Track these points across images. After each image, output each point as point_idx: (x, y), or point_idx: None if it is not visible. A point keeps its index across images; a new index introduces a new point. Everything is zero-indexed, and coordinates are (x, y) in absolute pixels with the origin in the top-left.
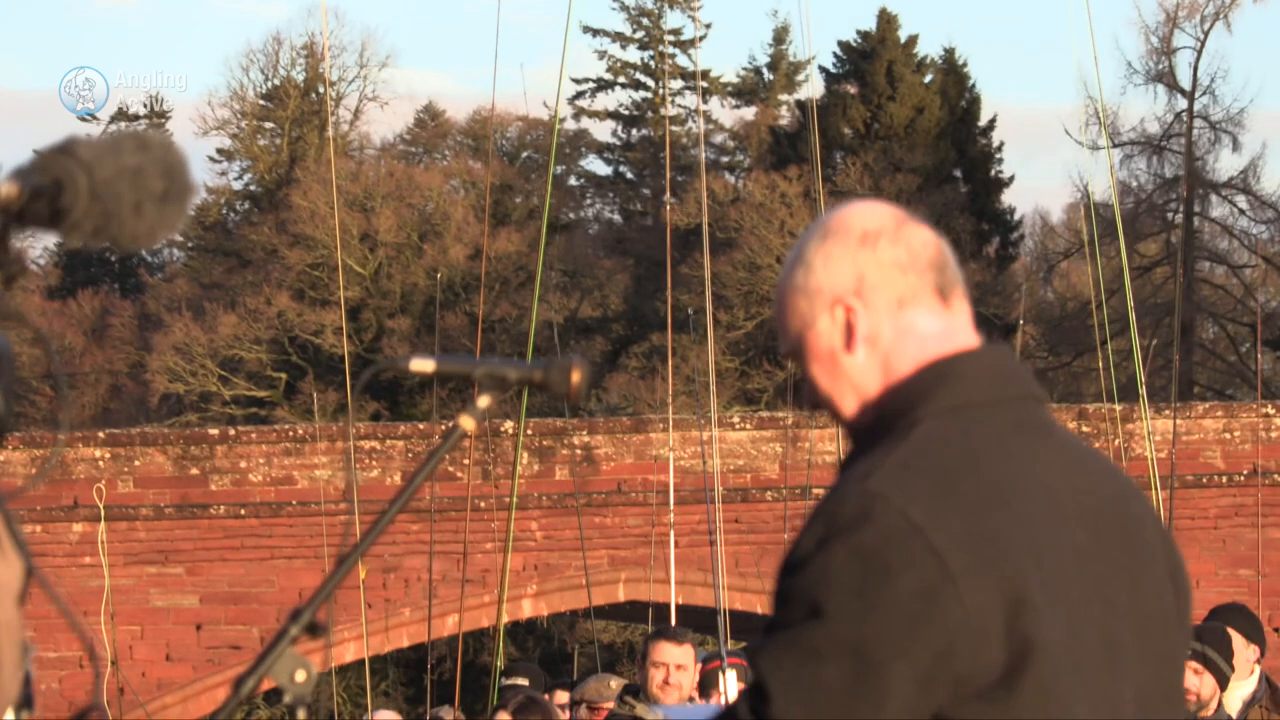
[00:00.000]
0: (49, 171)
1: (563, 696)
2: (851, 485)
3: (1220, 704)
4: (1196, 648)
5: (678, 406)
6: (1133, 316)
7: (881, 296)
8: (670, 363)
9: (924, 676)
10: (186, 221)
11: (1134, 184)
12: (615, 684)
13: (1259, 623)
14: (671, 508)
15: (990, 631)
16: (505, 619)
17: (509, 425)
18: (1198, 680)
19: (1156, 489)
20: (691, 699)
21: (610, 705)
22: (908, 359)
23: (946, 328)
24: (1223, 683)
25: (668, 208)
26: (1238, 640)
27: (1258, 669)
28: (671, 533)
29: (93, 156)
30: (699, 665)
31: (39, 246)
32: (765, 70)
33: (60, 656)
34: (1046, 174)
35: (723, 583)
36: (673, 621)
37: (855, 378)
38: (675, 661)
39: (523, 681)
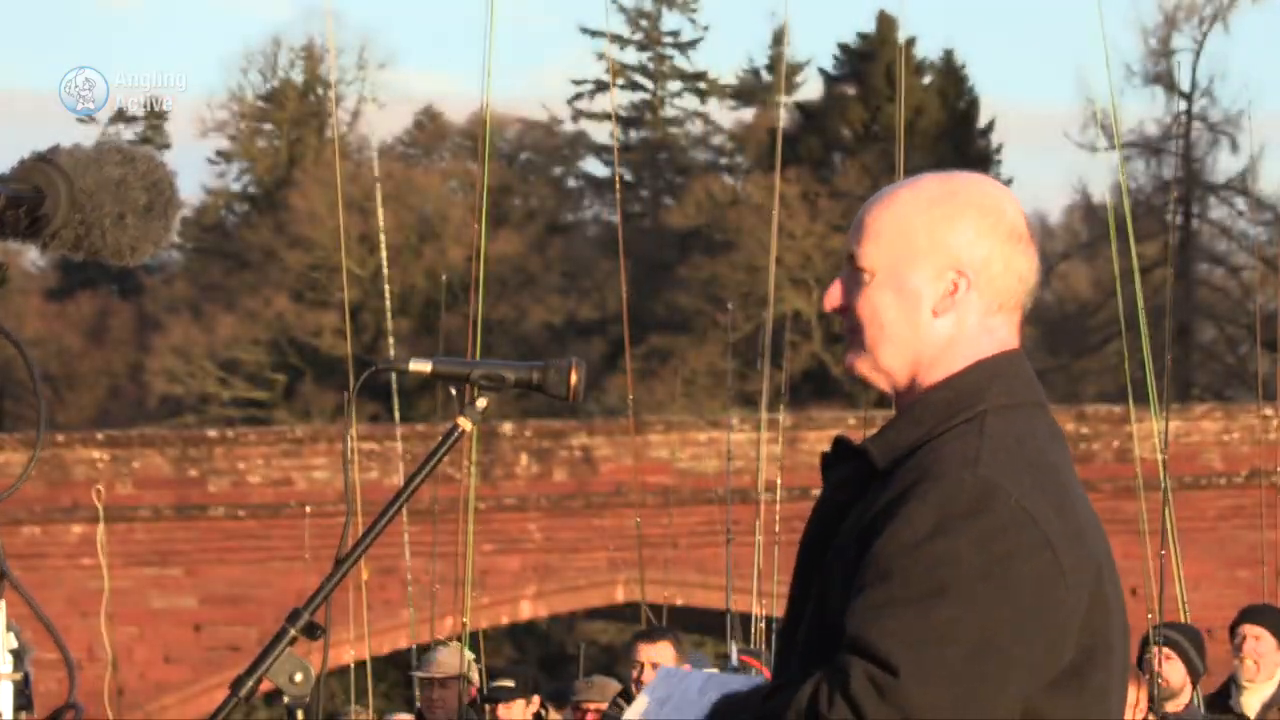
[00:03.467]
0: (29, 179)
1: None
2: (961, 472)
3: (1192, 699)
4: (1170, 635)
5: (676, 409)
6: (1143, 317)
7: (990, 291)
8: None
9: (1035, 664)
10: (173, 237)
11: (1132, 185)
12: (600, 683)
13: None
14: (729, 505)
15: (1076, 626)
16: (472, 626)
17: (508, 427)
18: (1167, 665)
19: (1166, 490)
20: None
21: (597, 705)
22: (970, 353)
23: (1010, 338)
24: (1194, 676)
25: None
26: (1269, 642)
27: None
28: (728, 533)
29: (75, 166)
30: (685, 665)
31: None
32: (763, 72)
33: (59, 658)
34: (1045, 176)
35: (697, 583)
36: (729, 630)
37: (920, 335)
38: (650, 659)
39: (508, 684)
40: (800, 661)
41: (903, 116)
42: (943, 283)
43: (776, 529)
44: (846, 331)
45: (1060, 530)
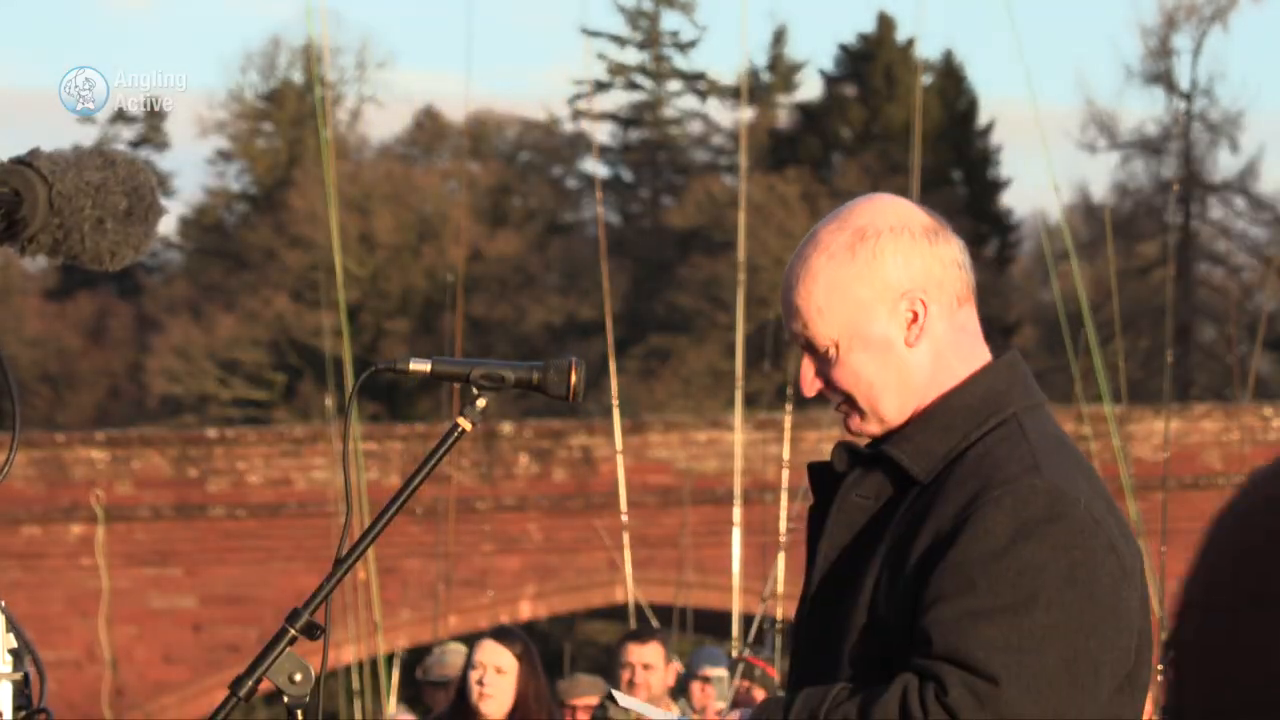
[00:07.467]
0: (7, 182)
1: None
2: (1029, 478)
3: None
4: None
5: (675, 408)
6: (1119, 324)
7: (945, 294)
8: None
9: (1117, 668)
10: (153, 242)
11: (1132, 185)
12: (586, 681)
13: None
14: (737, 503)
15: (1136, 628)
16: (473, 626)
17: (508, 427)
18: None
19: (1165, 487)
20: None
21: (580, 701)
22: (964, 357)
23: (975, 326)
24: None
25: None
26: None
27: None
28: (736, 531)
29: (54, 169)
30: (672, 665)
31: None
32: (764, 72)
33: (59, 658)
34: (1044, 176)
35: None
36: (733, 629)
37: (908, 372)
38: (642, 661)
39: None
40: (852, 666)
41: (919, 121)
42: (902, 316)
43: (784, 529)
44: (839, 404)
45: (1117, 532)
